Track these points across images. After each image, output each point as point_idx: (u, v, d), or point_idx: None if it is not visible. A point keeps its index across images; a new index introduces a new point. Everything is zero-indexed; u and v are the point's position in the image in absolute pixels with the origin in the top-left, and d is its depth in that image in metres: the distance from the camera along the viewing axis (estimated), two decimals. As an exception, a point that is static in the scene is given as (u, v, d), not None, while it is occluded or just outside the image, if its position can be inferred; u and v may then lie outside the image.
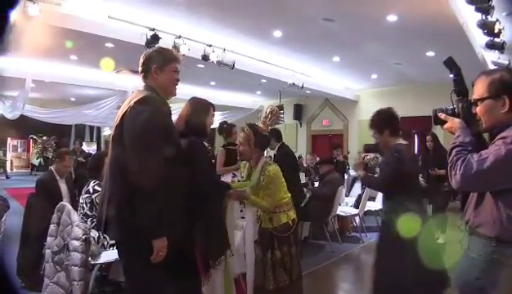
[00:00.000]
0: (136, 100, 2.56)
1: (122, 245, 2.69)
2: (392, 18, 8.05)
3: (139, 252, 2.49)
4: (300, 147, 18.07)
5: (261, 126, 4.55)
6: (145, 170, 2.39)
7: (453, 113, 2.31)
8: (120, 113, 2.60)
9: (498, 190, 2.04)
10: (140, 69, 2.80)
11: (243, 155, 3.72)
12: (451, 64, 2.56)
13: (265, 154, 3.84)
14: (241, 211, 4.21)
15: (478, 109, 2.17)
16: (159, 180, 2.40)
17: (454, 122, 2.26)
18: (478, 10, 6.57)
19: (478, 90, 2.17)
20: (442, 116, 2.32)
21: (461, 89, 2.43)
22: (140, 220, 2.39)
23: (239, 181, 4.43)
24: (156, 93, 2.70)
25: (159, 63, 2.75)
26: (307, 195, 7.15)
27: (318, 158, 10.92)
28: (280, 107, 16.19)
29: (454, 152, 2.10)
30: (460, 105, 2.30)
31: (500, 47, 7.81)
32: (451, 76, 2.53)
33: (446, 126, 2.29)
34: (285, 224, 3.62)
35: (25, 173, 22.34)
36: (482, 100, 2.15)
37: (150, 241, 2.44)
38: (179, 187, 2.66)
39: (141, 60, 2.80)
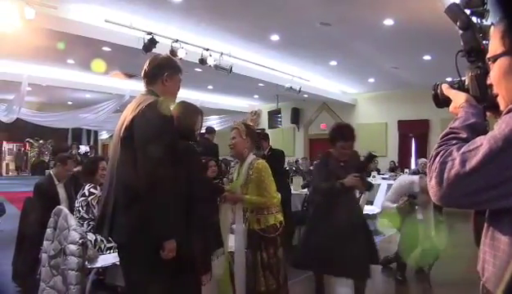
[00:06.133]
0: (147, 103, 2.59)
1: (127, 248, 2.69)
2: (388, 22, 8.07)
3: (145, 255, 2.53)
4: (297, 151, 18.04)
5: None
6: (158, 172, 2.44)
7: (461, 87, 1.51)
8: (129, 115, 2.61)
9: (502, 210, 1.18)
10: (146, 73, 2.82)
11: (236, 147, 3.74)
12: (455, 11, 1.73)
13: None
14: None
15: (491, 74, 1.35)
16: (169, 183, 2.48)
17: (458, 98, 1.45)
18: (473, 14, 6.57)
19: (492, 44, 1.34)
20: (444, 87, 1.52)
21: (472, 47, 1.53)
22: (152, 222, 2.44)
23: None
24: None
25: (171, 71, 2.82)
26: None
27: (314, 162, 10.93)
28: (278, 111, 16.32)
29: (437, 145, 1.30)
30: (469, 73, 1.47)
31: (496, 51, 7.84)
32: (457, 29, 1.66)
33: (451, 107, 1.49)
34: (273, 225, 3.64)
35: (21, 177, 22.25)
36: (494, 58, 1.31)
37: (157, 243, 2.48)
38: (180, 189, 2.68)
39: (149, 66, 2.82)
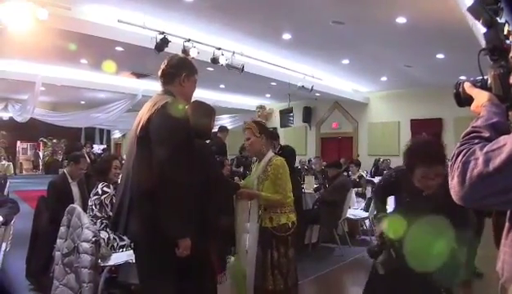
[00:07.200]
0: (163, 103, 2.61)
1: (142, 246, 2.71)
2: (401, 20, 8.03)
3: (160, 253, 2.54)
4: (309, 150, 18.02)
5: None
6: (174, 171, 2.45)
7: (483, 86, 1.45)
8: (145, 115, 2.62)
9: None
10: (163, 73, 2.83)
11: (252, 146, 3.72)
12: (478, 9, 1.65)
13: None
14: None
15: None
16: (185, 182, 2.48)
17: (480, 97, 1.39)
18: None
19: None
20: (467, 86, 1.46)
21: (495, 45, 1.51)
22: (166, 221, 2.46)
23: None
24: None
25: (188, 72, 2.84)
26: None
27: (325, 162, 10.89)
28: (290, 110, 16.33)
29: (459, 143, 1.25)
30: (492, 72, 1.42)
31: (510, 49, 7.76)
32: (480, 28, 1.61)
33: (473, 105, 1.42)
34: (284, 224, 3.60)
35: (34, 175, 22.44)
36: None
37: (172, 241, 2.50)
38: (196, 188, 2.69)
39: (167, 65, 2.83)
